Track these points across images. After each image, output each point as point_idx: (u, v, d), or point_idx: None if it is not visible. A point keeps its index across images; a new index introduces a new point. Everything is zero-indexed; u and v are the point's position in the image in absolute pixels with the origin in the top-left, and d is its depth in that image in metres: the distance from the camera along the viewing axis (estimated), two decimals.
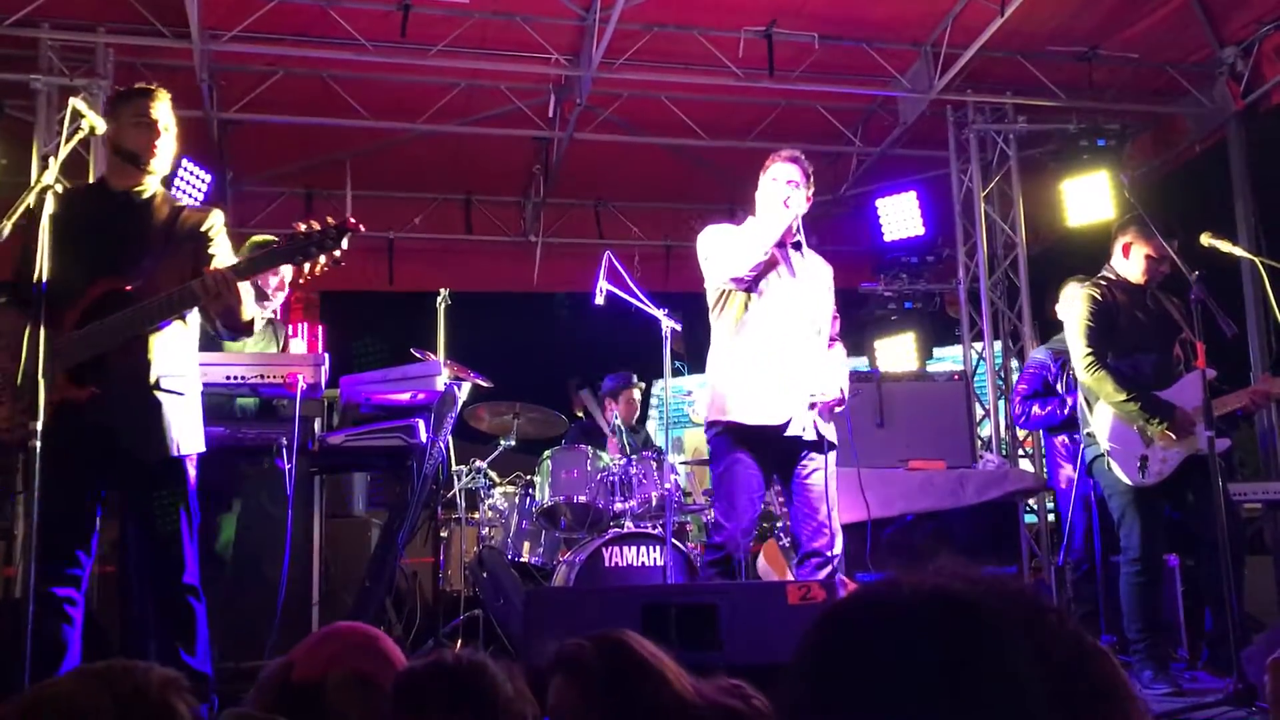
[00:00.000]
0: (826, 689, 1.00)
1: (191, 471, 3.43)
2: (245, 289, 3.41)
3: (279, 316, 5.34)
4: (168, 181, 7.23)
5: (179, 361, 3.45)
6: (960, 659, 0.97)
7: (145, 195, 3.50)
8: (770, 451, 4.19)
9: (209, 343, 4.44)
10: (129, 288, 3.31)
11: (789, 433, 4.15)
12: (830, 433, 4.25)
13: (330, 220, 3.35)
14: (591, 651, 2.01)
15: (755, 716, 1.92)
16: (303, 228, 3.33)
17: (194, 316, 3.53)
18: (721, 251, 4.34)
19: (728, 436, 4.22)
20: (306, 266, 3.32)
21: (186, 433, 3.42)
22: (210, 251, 3.50)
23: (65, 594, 3.24)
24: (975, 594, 1.01)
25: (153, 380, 3.34)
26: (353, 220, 3.37)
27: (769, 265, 4.27)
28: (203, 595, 3.40)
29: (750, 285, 4.26)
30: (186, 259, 3.45)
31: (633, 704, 1.95)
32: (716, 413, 4.28)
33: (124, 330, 3.25)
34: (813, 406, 4.19)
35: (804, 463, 4.21)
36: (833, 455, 4.27)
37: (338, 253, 3.33)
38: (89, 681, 1.47)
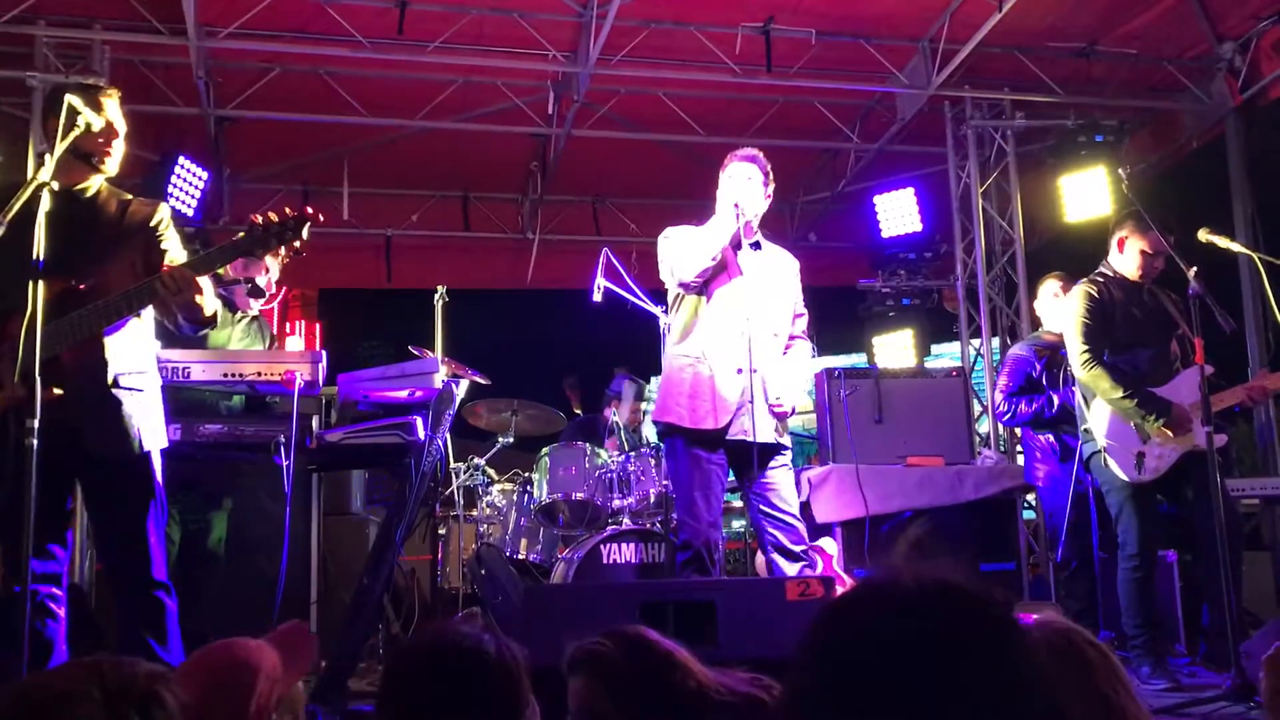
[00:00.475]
0: (831, 679, 1.01)
1: (157, 467, 3.42)
2: (205, 283, 3.36)
3: (274, 313, 5.33)
4: (165, 179, 7.28)
5: (136, 358, 3.43)
6: (958, 650, 0.97)
7: (90, 191, 3.46)
8: (719, 451, 4.19)
9: (200, 340, 4.45)
10: (81, 286, 3.27)
11: (731, 436, 4.15)
12: (785, 438, 4.29)
13: (289, 210, 3.30)
14: (614, 649, 1.99)
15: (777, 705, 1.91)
16: (259, 219, 3.29)
17: (148, 311, 3.47)
18: (673, 255, 4.34)
19: (676, 437, 4.23)
20: (269, 258, 3.29)
21: (148, 429, 3.40)
22: (162, 246, 3.47)
23: (44, 590, 3.24)
24: (972, 589, 1.02)
25: (110, 378, 3.33)
26: (310, 210, 3.33)
27: (719, 268, 4.26)
28: (174, 591, 3.39)
29: (699, 289, 4.27)
30: (137, 254, 3.42)
31: (661, 699, 1.94)
32: (660, 413, 4.30)
33: (80, 330, 3.22)
34: (777, 414, 4.20)
35: (758, 463, 4.18)
36: (788, 455, 4.33)
37: (298, 243, 3.29)
38: (77, 673, 1.46)
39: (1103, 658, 1.81)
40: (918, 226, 8.67)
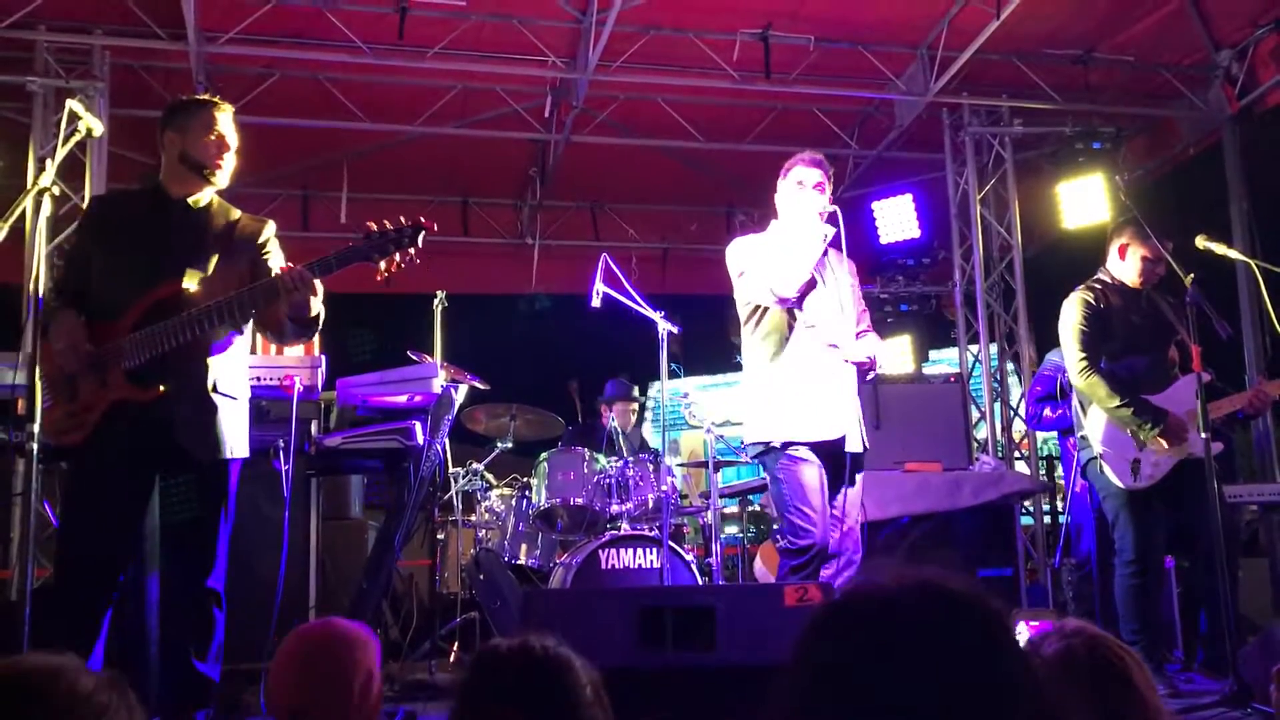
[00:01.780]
0: (823, 683, 1.02)
1: (234, 477, 3.47)
2: (319, 285, 3.42)
3: None
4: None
5: (234, 367, 3.50)
6: (945, 653, 0.98)
7: (203, 203, 3.54)
8: (824, 460, 4.15)
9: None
10: (189, 291, 3.35)
11: (847, 448, 4.14)
12: (863, 442, 4.25)
13: (404, 220, 3.40)
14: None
15: None
16: (373, 225, 3.38)
17: (247, 324, 3.56)
18: (760, 271, 4.20)
19: (782, 454, 4.13)
20: (383, 264, 3.33)
21: (236, 437, 3.46)
22: (269, 262, 3.56)
23: (111, 596, 3.28)
24: (961, 590, 1.03)
25: (210, 383, 3.39)
26: (424, 219, 3.42)
27: (810, 280, 4.21)
28: (225, 603, 3.42)
29: (796, 303, 4.20)
30: (244, 266, 3.50)
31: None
32: (770, 434, 4.16)
33: (188, 331, 3.29)
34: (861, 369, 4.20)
35: (847, 472, 4.19)
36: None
37: (412, 250, 3.39)
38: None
39: (1138, 667, 1.82)
40: (916, 233, 8.68)
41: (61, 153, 3.17)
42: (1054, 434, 7.09)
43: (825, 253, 4.26)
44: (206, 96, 3.68)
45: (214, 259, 3.44)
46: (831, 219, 4.22)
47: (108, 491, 3.27)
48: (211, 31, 6.77)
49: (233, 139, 3.55)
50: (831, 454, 4.14)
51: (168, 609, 3.49)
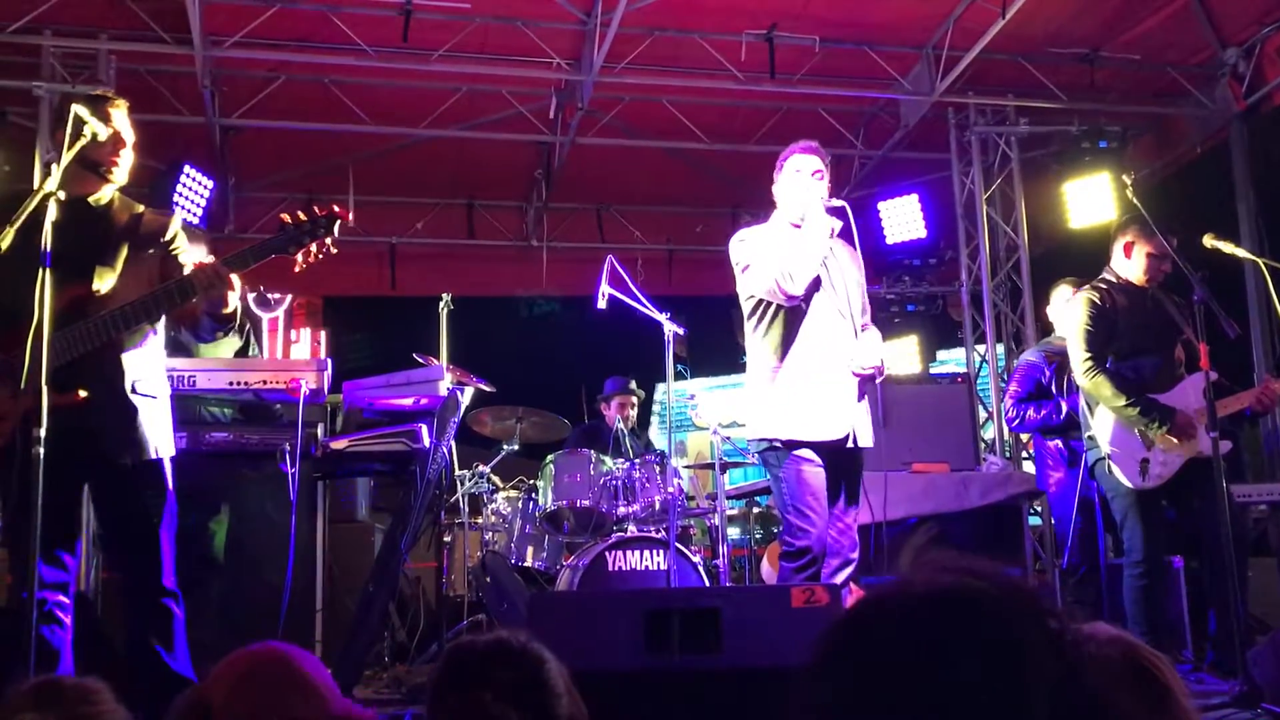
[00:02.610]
0: (847, 689, 1.00)
1: (169, 474, 3.44)
2: (235, 281, 3.38)
3: (279, 321, 5.34)
4: (170, 188, 7.29)
5: (151, 366, 3.46)
6: (971, 661, 0.97)
7: (104, 201, 3.48)
8: (827, 459, 4.11)
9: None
10: (99, 292, 3.31)
11: (850, 445, 4.11)
12: (869, 439, 4.21)
13: (318, 209, 3.35)
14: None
15: None
16: (286, 217, 3.34)
17: (160, 321, 3.51)
18: (766, 266, 4.11)
19: (787, 452, 4.10)
20: (300, 256, 3.30)
21: (161, 436, 3.43)
22: (179, 258, 3.50)
23: (52, 598, 3.24)
24: (988, 595, 1.02)
25: (128, 385, 3.35)
26: (338, 208, 3.37)
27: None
28: (181, 599, 3.40)
29: (801, 300, 4.14)
30: (152, 263, 3.45)
31: None
32: (773, 431, 4.11)
33: (101, 334, 3.24)
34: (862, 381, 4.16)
35: (848, 470, 4.17)
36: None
37: (329, 240, 3.33)
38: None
39: (1174, 675, 1.81)
40: (922, 233, 8.67)
41: (67, 157, 3.16)
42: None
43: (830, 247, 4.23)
44: (99, 92, 3.59)
45: (121, 257, 3.39)
46: (839, 213, 4.17)
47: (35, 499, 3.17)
48: (217, 35, 6.78)
49: (128, 135, 3.47)
50: (835, 453, 4.11)
51: (127, 611, 3.46)
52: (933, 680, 0.95)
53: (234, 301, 3.42)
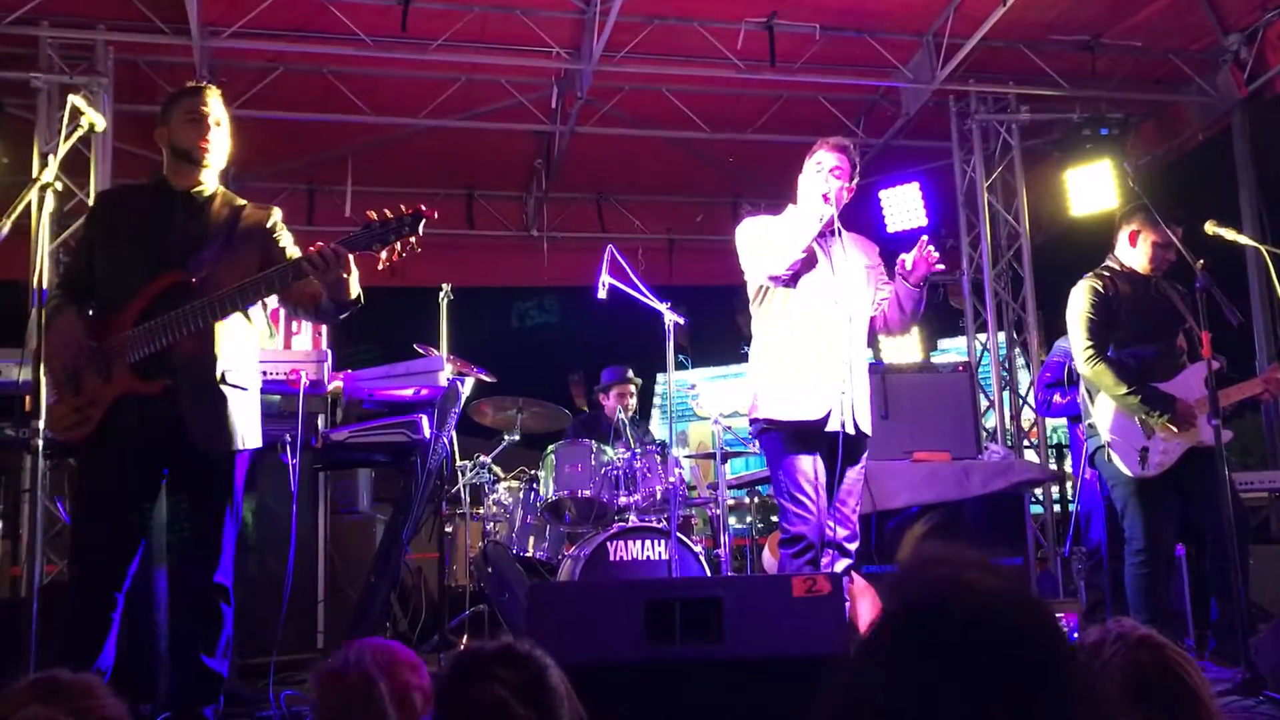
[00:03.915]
0: (903, 683, 1.00)
1: (243, 468, 3.45)
2: (351, 263, 3.39)
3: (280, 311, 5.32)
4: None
5: (243, 357, 3.47)
6: (1043, 667, 0.97)
7: (206, 194, 3.52)
8: (815, 444, 4.14)
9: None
10: (194, 280, 3.33)
11: (829, 428, 4.11)
12: (867, 426, 4.23)
13: (404, 208, 3.37)
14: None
15: None
16: (373, 215, 3.34)
17: (257, 314, 3.55)
18: (760, 247, 4.25)
19: (775, 434, 4.18)
20: (384, 254, 3.31)
21: (247, 428, 3.44)
22: (281, 245, 3.53)
23: (121, 591, 3.27)
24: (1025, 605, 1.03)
25: (219, 374, 3.37)
26: (424, 207, 3.38)
27: (808, 260, 4.20)
28: (233, 598, 3.40)
29: (789, 281, 4.21)
30: (252, 255, 3.47)
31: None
32: (757, 409, 4.24)
33: (195, 320, 3.26)
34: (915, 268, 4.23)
35: (844, 456, 4.16)
36: (865, 451, 4.29)
37: (413, 239, 3.35)
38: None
39: (1196, 670, 1.80)
40: (923, 221, 8.64)
41: (64, 149, 3.16)
42: (1064, 421, 7.08)
43: (830, 236, 4.25)
44: (190, 84, 3.65)
45: (219, 247, 3.42)
46: (838, 200, 4.21)
47: (116, 486, 3.26)
48: (214, 26, 6.76)
49: (218, 117, 3.51)
50: (829, 439, 4.13)
51: (175, 605, 3.47)
52: (1002, 684, 0.96)
53: (355, 286, 3.42)
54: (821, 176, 4.28)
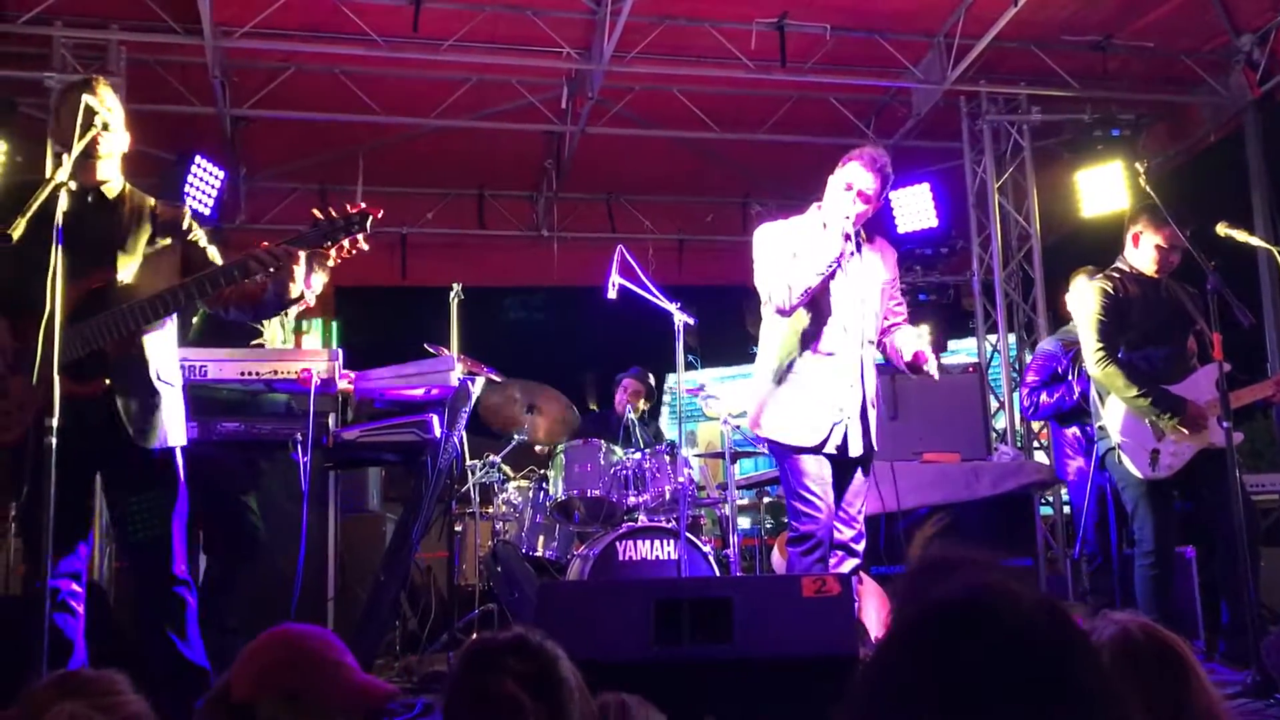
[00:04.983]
0: (930, 686, 1.00)
1: (180, 463, 3.45)
2: (300, 260, 3.40)
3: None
4: (181, 178, 7.30)
5: (169, 354, 3.48)
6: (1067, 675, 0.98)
7: (116, 192, 3.48)
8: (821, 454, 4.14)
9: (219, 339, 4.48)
10: (121, 282, 3.31)
11: (826, 451, 4.10)
12: (869, 446, 4.21)
13: (349, 206, 3.38)
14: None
15: None
16: (318, 213, 3.35)
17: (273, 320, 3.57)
18: (772, 274, 4.12)
19: (787, 449, 4.15)
20: (333, 252, 3.33)
21: (176, 424, 3.45)
22: (200, 245, 3.52)
23: (65, 587, 3.26)
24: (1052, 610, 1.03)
25: (153, 373, 3.37)
26: (365, 205, 3.39)
27: (820, 285, 4.09)
28: (194, 587, 3.42)
29: (790, 312, 4.12)
30: (170, 254, 3.46)
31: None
32: (758, 426, 4.22)
33: (133, 321, 3.25)
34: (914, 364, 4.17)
35: (848, 466, 4.18)
36: (870, 461, 4.27)
37: (361, 237, 3.36)
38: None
39: (1192, 654, 1.81)
40: (934, 222, 8.63)
41: (78, 148, 3.16)
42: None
43: (849, 255, 4.15)
44: (79, 78, 3.60)
45: (138, 247, 3.40)
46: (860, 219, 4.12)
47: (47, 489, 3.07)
48: (227, 26, 6.79)
49: (107, 113, 3.34)
50: (828, 457, 4.13)
51: (141, 600, 3.49)
52: (1029, 685, 0.97)
53: (298, 287, 3.43)
54: (849, 198, 4.10)
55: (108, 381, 3.26)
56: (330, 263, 3.36)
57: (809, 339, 4.14)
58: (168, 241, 3.47)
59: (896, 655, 1.05)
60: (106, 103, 3.38)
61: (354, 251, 3.40)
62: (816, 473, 4.08)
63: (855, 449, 4.15)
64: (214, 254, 3.51)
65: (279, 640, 1.97)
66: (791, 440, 4.10)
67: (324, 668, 1.93)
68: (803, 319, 4.14)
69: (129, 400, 3.31)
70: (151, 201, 3.55)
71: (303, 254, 3.35)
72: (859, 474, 4.23)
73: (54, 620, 3.12)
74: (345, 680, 1.94)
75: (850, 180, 4.11)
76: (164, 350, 3.44)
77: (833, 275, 4.10)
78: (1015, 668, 0.97)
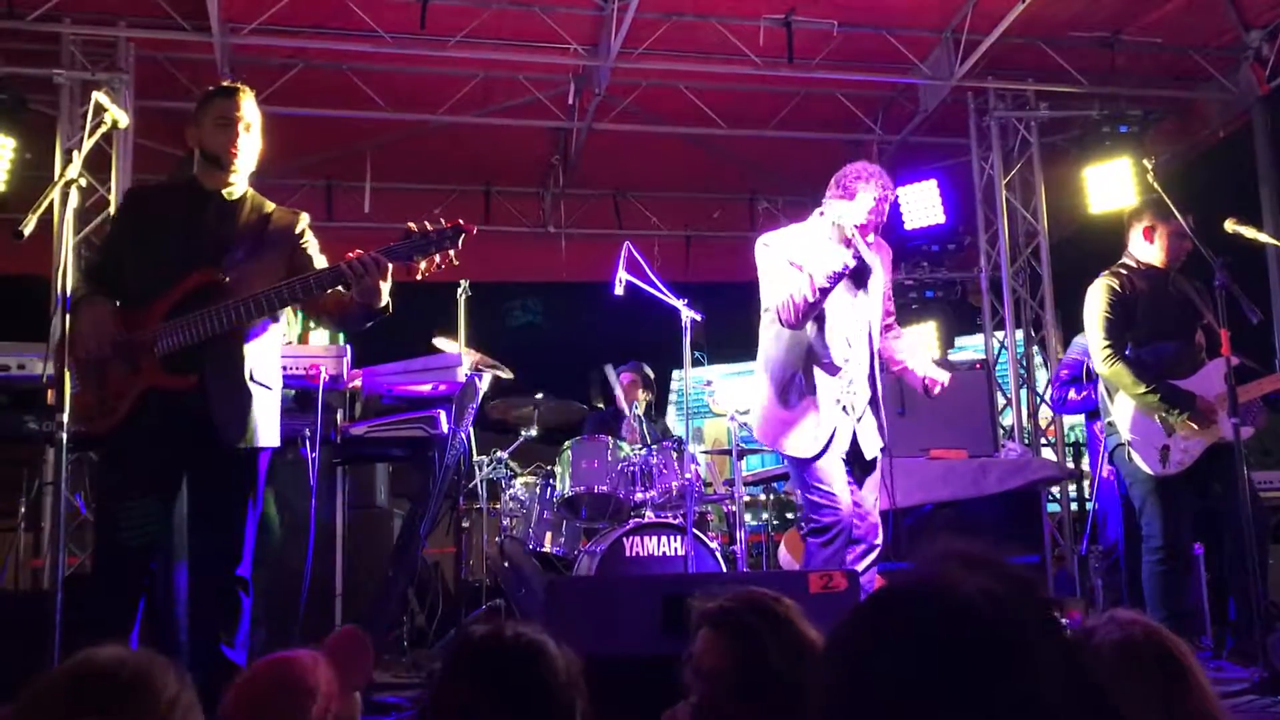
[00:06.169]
0: (860, 676, 1.01)
1: (264, 465, 3.48)
2: (389, 272, 3.41)
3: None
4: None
5: (269, 356, 3.51)
6: (987, 663, 0.97)
7: (235, 196, 3.54)
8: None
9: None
10: (225, 280, 3.36)
11: (836, 453, 4.13)
12: (872, 451, 4.24)
13: (445, 222, 3.39)
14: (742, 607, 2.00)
15: None
16: (413, 226, 3.36)
17: (283, 314, 3.60)
18: (777, 288, 4.12)
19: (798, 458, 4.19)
20: (422, 264, 3.33)
21: (268, 426, 3.47)
22: (308, 251, 3.56)
23: (144, 583, 3.32)
24: (1001, 599, 1.02)
25: (247, 372, 3.40)
26: (463, 222, 3.41)
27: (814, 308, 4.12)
28: (251, 589, 3.44)
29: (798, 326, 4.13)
30: (279, 258, 3.50)
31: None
32: (766, 439, 4.27)
33: (233, 318, 3.29)
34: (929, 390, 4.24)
35: (865, 466, 4.22)
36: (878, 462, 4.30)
37: (452, 252, 3.38)
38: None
39: (1194, 657, 1.81)
40: (941, 218, 8.62)
41: (88, 145, 3.18)
42: (1082, 419, 7.05)
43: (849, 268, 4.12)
44: (223, 85, 3.67)
45: (248, 249, 3.45)
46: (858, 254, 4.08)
47: (140, 479, 3.29)
48: (235, 22, 6.80)
49: (249, 121, 3.49)
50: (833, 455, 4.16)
51: (195, 597, 3.51)
52: (934, 683, 0.96)
53: (386, 296, 3.44)
54: (858, 215, 4.08)
55: (200, 377, 3.30)
56: (418, 276, 3.38)
57: (814, 351, 4.16)
58: (280, 246, 3.52)
59: (836, 651, 1.06)
60: (246, 113, 3.47)
61: (444, 266, 3.40)
62: (832, 471, 4.11)
63: (870, 450, 4.20)
64: (320, 262, 3.53)
65: (265, 672, 2.00)
66: (804, 454, 4.12)
67: (307, 699, 1.95)
68: (807, 331, 4.15)
69: (219, 396, 3.35)
70: (270, 206, 3.61)
71: (390, 265, 3.35)
72: (875, 471, 4.26)
73: (133, 612, 3.24)
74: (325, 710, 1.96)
75: (865, 201, 4.10)
76: (262, 351, 3.47)
77: (847, 289, 4.14)
78: (944, 663, 0.96)
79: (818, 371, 4.14)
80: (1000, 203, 8.17)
